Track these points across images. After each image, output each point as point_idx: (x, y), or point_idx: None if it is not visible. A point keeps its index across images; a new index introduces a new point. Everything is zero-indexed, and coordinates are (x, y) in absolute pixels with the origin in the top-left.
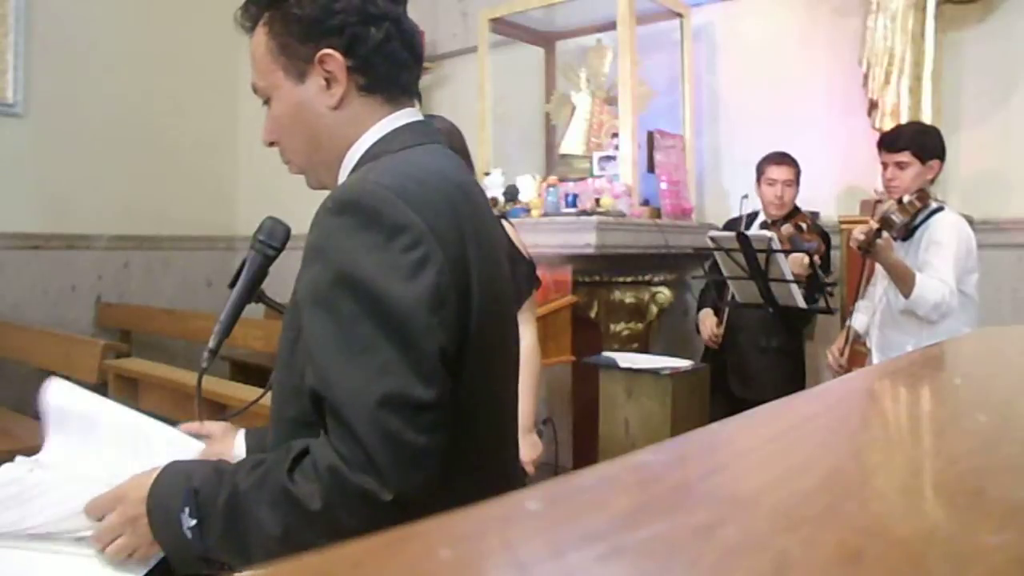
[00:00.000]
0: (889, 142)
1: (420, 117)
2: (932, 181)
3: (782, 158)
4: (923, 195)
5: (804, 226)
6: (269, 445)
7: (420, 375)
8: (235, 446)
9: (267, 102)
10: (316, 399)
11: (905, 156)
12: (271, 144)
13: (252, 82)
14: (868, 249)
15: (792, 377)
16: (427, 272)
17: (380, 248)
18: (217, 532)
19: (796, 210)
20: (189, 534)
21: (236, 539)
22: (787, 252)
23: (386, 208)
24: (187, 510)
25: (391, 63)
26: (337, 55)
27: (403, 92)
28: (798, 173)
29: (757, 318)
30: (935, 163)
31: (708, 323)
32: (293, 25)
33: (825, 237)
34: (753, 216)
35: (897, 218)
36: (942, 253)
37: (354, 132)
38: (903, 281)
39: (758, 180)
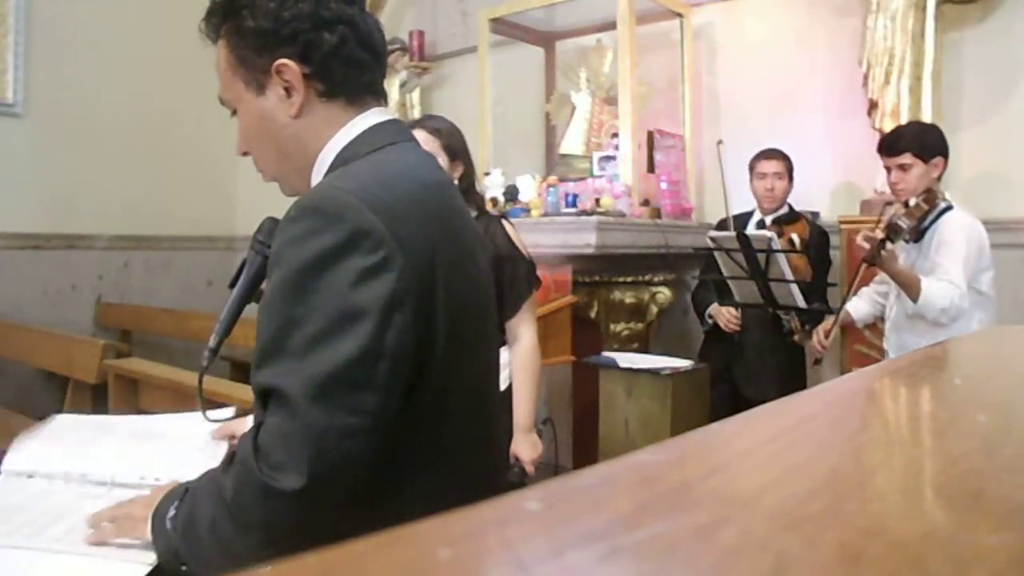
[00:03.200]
0: (889, 145)
1: (389, 116)
2: (939, 179)
3: (772, 152)
4: (930, 196)
5: (797, 242)
6: None
7: (362, 378)
8: (248, 422)
9: (234, 113)
10: (262, 395)
11: (907, 158)
12: (244, 154)
13: (219, 95)
14: (872, 261)
15: (795, 373)
16: (385, 276)
17: (339, 252)
18: (180, 524)
19: (795, 213)
20: (169, 524)
21: (187, 532)
22: (787, 252)
23: (347, 212)
24: (176, 503)
25: (349, 66)
26: (292, 64)
27: (367, 92)
28: (790, 168)
29: (758, 317)
30: (939, 160)
31: (724, 311)
32: (248, 37)
33: (824, 238)
34: (748, 216)
35: (904, 223)
36: (952, 254)
37: (319, 138)
38: (909, 288)
39: (751, 177)
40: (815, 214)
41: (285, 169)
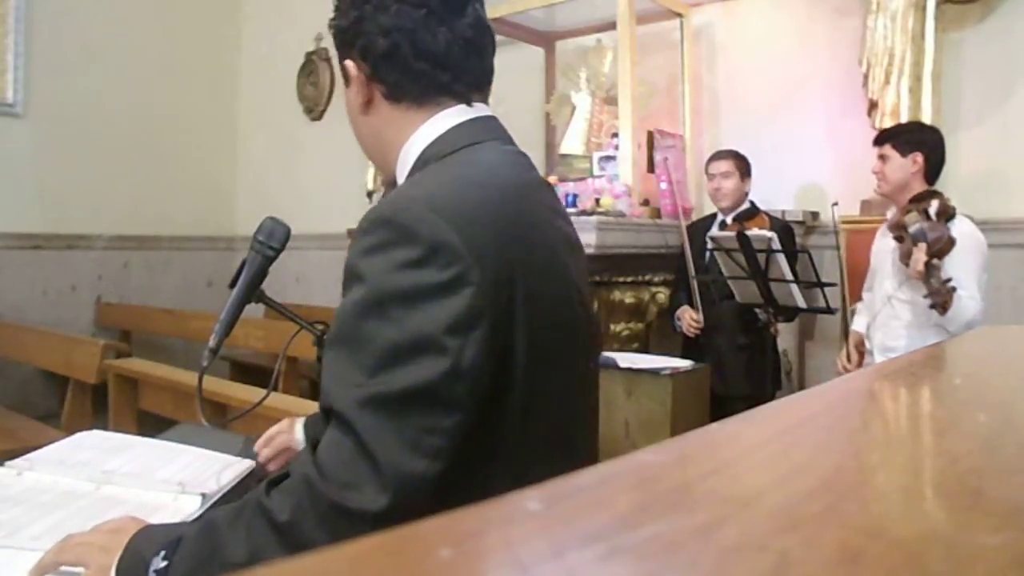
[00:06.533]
0: (875, 137)
1: (475, 114)
2: (931, 180)
3: (721, 153)
4: (943, 205)
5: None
6: None
7: (437, 399)
8: (296, 432)
9: None
10: (328, 412)
11: (886, 149)
12: None
13: None
14: (945, 304)
15: (768, 368)
16: (461, 293)
17: (412, 265)
18: (183, 570)
19: (754, 209)
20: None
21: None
22: (786, 252)
23: (421, 226)
24: (162, 553)
25: (401, 73)
26: (355, 64)
27: (440, 93)
28: (741, 167)
29: (729, 317)
30: (917, 156)
31: (687, 314)
32: (335, 37)
33: (787, 234)
34: (712, 218)
35: (948, 246)
36: (966, 267)
37: (394, 138)
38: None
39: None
40: (814, 214)
41: (371, 155)
